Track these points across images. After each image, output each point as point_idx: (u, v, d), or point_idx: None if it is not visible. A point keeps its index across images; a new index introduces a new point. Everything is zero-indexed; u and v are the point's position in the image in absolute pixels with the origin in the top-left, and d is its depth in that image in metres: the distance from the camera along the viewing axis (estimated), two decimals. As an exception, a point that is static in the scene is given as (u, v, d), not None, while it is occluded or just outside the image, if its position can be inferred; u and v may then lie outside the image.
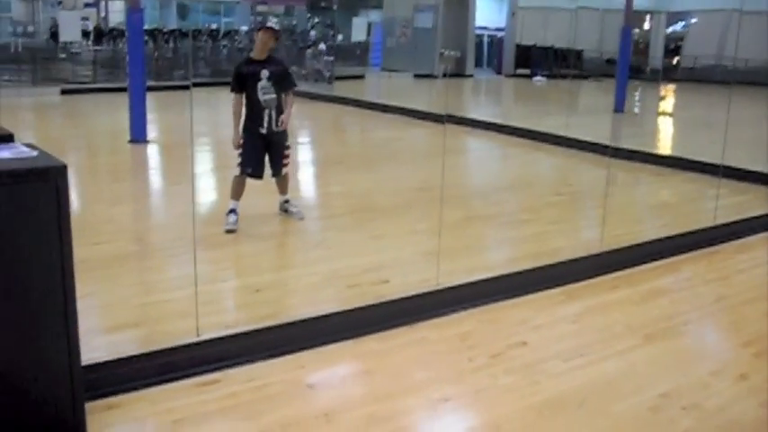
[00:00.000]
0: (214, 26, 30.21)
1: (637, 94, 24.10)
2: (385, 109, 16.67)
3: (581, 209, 8.64)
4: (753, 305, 5.98)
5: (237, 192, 7.27)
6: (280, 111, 7.22)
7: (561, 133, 13.26)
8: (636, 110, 21.16)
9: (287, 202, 7.70)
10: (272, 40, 7.27)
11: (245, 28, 28.88)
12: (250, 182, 7.27)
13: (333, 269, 6.29)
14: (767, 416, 4.26)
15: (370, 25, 28.68)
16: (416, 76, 23.85)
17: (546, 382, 4.48)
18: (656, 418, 4.16)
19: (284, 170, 7.45)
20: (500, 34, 30.22)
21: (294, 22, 33.17)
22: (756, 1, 24.59)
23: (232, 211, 7.20)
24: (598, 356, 4.86)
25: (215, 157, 11.89)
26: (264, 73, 7.10)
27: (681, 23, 32.15)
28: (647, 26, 33.60)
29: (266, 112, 7.13)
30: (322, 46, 23.49)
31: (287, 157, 7.48)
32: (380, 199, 8.98)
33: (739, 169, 10.19)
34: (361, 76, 24.94)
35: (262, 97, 7.10)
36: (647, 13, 32.11)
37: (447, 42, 26.99)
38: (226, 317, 5.19)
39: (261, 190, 7.50)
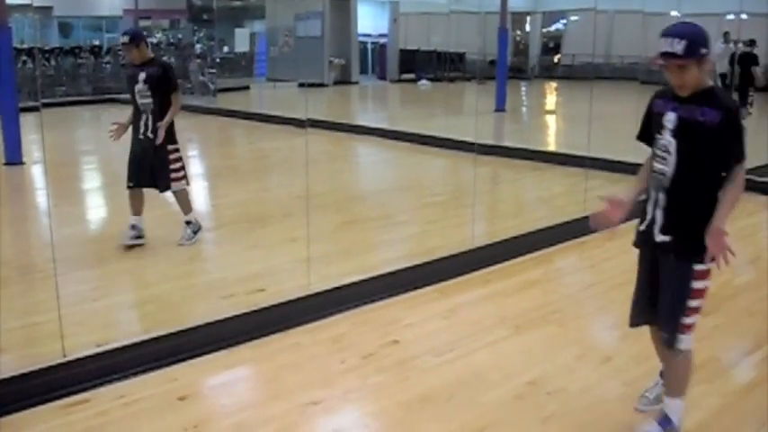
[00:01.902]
0: (96, 42, 29.59)
1: (518, 93, 24.66)
2: (269, 119, 16.62)
3: (458, 207, 8.78)
4: (619, 290, 6.17)
5: (132, 206, 7.13)
6: (158, 117, 6.94)
7: (443, 135, 13.46)
8: (517, 108, 21.64)
9: (187, 223, 7.30)
10: (130, 49, 6.93)
11: (128, 44, 28.38)
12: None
13: (208, 281, 6.28)
14: (628, 393, 4.43)
15: (253, 36, 28.54)
16: (301, 84, 23.84)
17: (416, 378, 4.56)
18: (523, 405, 4.28)
19: (174, 185, 7.14)
20: (383, 40, 30.47)
21: (180, 36, 32.78)
22: (629, 1, 25.50)
23: (132, 226, 7.10)
24: (468, 350, 4.97)
25: (98, 176, 11.76)
26: (141, 76, 6.88)
27: (562, 22, 32.99)
28: (527, 27, 34.39)
29: (143, 116, 6.95)
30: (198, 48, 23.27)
31: (174, 170, 7.10)
32: (260, 209, 8.96)
33: (611, 160, 10.55)
34: (246, 88, 24.80)
35: (139, 101, 6.92)
36: (526, 14, 32.86)
37: (331, 50, 27.08)
38: (97, 335, 5.07)
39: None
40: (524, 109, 22.79)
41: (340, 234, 7.61)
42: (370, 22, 30.45)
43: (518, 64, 30.48)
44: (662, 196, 3.69)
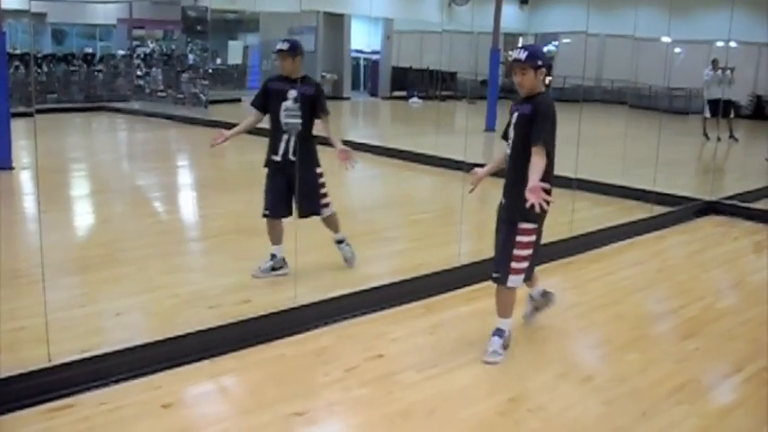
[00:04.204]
0: (89, 50, 29.64)
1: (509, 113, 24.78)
2: (259, 132, 16.60)
3: (445, 225, 8.83)
4: (602, 311, 6.28)
5: (271, 234, 6.74)
6: (302, 139, 6.48)
7: (433, 153, 13.54)
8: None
9: (340, 242, 7.04)
10: (285, 59, 6.49)
11: (121, 52, 28.38)
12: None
13: (194, 291, 6.29)
14: (608, 413, 4.49)
15: (246, 49, 28.65)
16: (294, 99, 23.94)
17: (399, 393, 4.60)
18: (503, 422, 4.33)
19: (324, 210, 6.77)
20: (376, 57, 30.62)
21: (173, 47, 32.85)
22: (620, 26, 25.78)
23: (271, 255, 6.75)
24: (452, 366, 5.02)
25: (87, 183, 11.77)
26: (292, 93, 6.46)
27: (554, 44, 33.21)
28: (519, 48, 34.56)
29: (285, 137, 6.50)
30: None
31: (323, 195, 6.74)
32: (248, 221, 8.91)
33: (598, 182, 10.67)
34: (238, 100, 24.85)
35: (284, 120, 6.48)
36: (518, 35, 33.08)
37: (324, 65, 27.21)
38: (83, 341, 5.09)
39: (135, 213, 7.41)
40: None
41: (327, 248, 7.62)
42: (363, 38, 30.65)
43: (509, 84, 30.62)
44: (507, 172, 5.23)
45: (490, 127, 18.61)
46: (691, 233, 9.34)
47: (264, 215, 6.66)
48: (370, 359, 5.05)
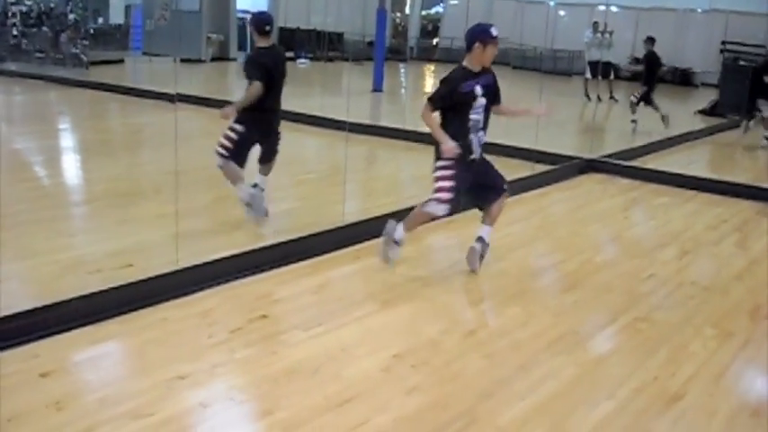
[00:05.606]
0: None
1: (396, 74, 24.92)
2: (143, 94, 16.23)
3: (330, 185, 8.83)
4: (486, 267, 6.37)
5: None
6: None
7: (319, 114, 13.45)
8: (395, 89, 21.84)
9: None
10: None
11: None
12: None
13: (74, 256, 6.14)
14: (489, 366, 4.61)
15: (129, 8, 27.82)
16: (179, 60, 23.41)
17: (283, 352, 4.61)
18: (387, 377, 4.40)
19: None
20: (263, 17, 30.20)
21: (51, 5, 31.62)
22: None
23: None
24: (336, 324, 5.05)
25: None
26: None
27: (441, 5, 33.38)
28: (407, 10, 34.67)
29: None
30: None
31: None
32: (130, 184, 8.80)
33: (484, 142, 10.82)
34: (120, 61, 24.16)
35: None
36: (406, -4, 33.17)
37: (209, 26, 26.68)
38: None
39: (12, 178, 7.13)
40: (402, 90, 23.01)
41: (211, 210, 7.58)
42: (249, -2, 30.09)
43: (396, 46, 30.77)
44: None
45: (377, 88, 18.62)
46: (571, 190, 9.62)
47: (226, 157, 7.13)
48: (255, 320, 5.04)
